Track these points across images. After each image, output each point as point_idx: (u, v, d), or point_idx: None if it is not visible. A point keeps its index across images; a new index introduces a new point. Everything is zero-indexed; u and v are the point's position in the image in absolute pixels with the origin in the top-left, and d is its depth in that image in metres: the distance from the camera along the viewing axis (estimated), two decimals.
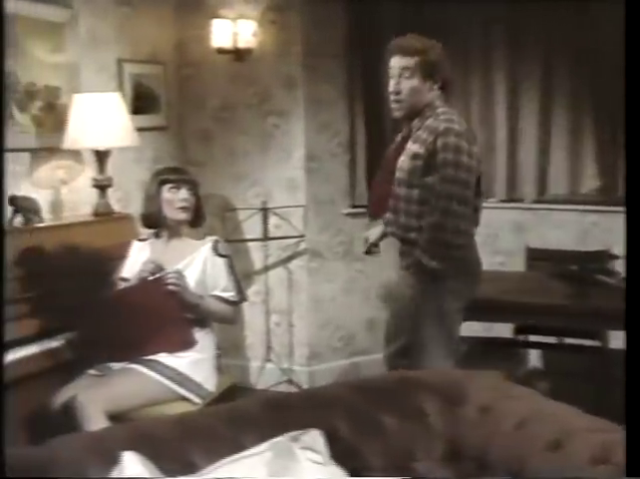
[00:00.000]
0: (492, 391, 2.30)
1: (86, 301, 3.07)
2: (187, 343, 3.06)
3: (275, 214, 4.58)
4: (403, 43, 3.10)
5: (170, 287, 2.97)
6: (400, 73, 3.07)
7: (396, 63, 3.09)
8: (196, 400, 3.04)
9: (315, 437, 2.07)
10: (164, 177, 3.22)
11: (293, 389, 4.56)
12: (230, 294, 3.18)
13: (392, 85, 3.10)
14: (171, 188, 3.19)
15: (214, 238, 3.24)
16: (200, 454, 2.06)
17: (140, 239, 3.35)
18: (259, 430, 2.15)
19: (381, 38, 4.71)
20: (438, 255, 2.96)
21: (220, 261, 3.17)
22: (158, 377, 2.98)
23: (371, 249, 3.26)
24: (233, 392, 3.31)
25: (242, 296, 3.27)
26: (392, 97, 3.11)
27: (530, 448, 1.95)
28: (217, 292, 3.16)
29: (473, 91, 4.92)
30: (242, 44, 4.41)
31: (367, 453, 2.20)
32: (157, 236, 3.30)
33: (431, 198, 2.98)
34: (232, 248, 3.60)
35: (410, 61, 3.05)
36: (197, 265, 3.15)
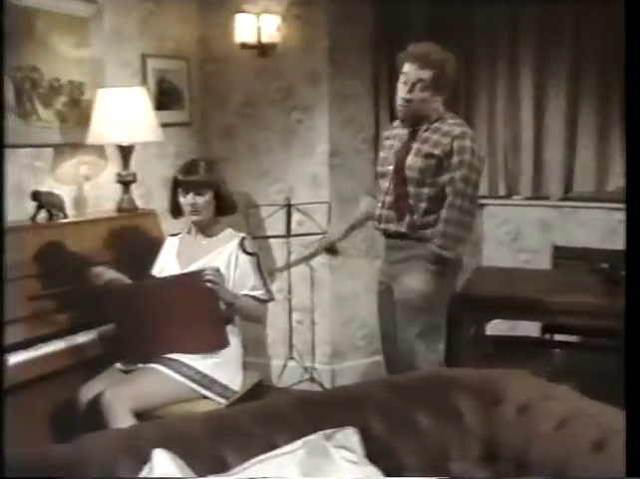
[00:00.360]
0: (530, 391, 2.25)
1: (118, 291, 3.02)
2: (221, 344, 3.02)
3: (298, 210, 4.54)
4: (421, 53, 3.15)
5: (208, 284, 2.91)
6: (414, 82, 3.14)
7: (412, 72, 3.14)
8: (221, 401, 3.01)
9: (350, 435, 2.03)
10: (177, 177, 3.17)
11: (315, 388, 4.53)
12: (260, 293, 3.13)
13: (403, 91, 3.17)
14: (182, 190, 3.14)
15: (242, 234, 3.19)
16: (231, 452, 2.03)
17: (172, 235, 3.31)
18: (291, 428, 2.11)
19: (407, 33, 4.70)
20: (451, 248, 3.12)
21: (247, 259, 3.12)
22: (182, 379, 2.94)
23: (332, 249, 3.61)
24: (259, 390, 3.26)
25: (270, 295, 3.21)
26: (401, 102, 3.20)
27: (573, 449, 1.91)
28: (247, 291, 3.11)
29: (498, 88, 4.87)
30: (266, 39, 4.38)
31: (401, 453, 2.16)
32: (188, 230, 3.26)
33: (442, 196, 3.13)
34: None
35: (426, 74, 3.13)
36: (222, 262, 3.09)
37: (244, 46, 4.41)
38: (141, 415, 2.82)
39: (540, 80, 4.77)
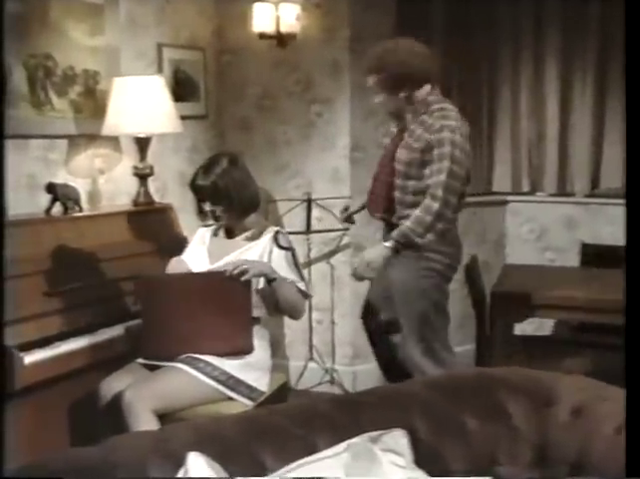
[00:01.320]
0: (583, 392, 2.14)
1: (147, 282, 2.92)
2: (246, 349, 2.89)
3: (318, 205, 4.46)
4: (367, 59, 3.32)
5: (244, 277, 2.78)
6: (371, 87, 3.32)
7: (370, 81, 3.32)
8: (247, 403, 2.89)
9: (397, 438, 1.92)
10: (192, 185, 3.03)
11: (336, 390, 4.44)
12: (301, 284, 3.00)
13: (375, 99, 3.36)
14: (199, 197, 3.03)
15: (275, 228, 3.05)
16: (270, 455, 1.93)
17: (205, 226, 3.19)
18: (331, 430, 2.01)
19: (431, 21, 4.62)
20: (420, 234, 3.15)
21: (282, 254, 2.99)
22: (207, 380, 2.82)
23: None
24: (285, 392, 3.16)
25: (307, 292, 3.06)
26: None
27: None
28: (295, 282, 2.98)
29: (522, 81, 4.78)
30: (285, 29, 4.28)
31: (448, 456, 2.05)
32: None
33: (424, 188, 3.19)
34: None
35: (373, 78, 3.29)
36: (254, 256, 2.96)
37: (262, 36, 4.31)
38: (162, 416, 2.71)
39: (566, 73, 4.70)
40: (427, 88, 3.27)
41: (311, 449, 1.93)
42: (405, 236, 3.15)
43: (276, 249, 2.98)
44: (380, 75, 3.24)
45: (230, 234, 3.10)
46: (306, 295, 3.04)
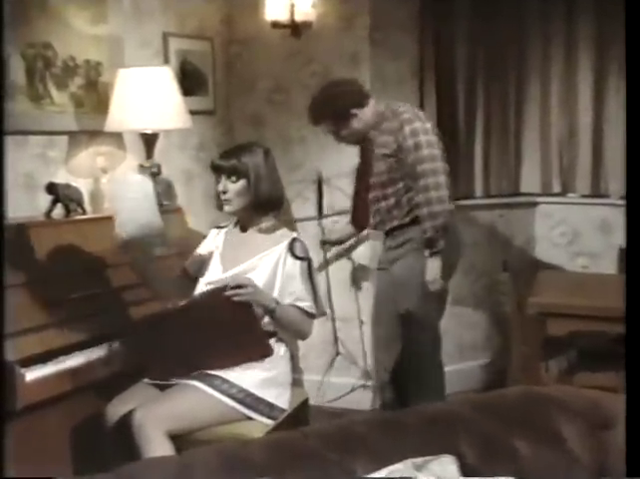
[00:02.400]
0: None
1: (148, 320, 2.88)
2: (265, 353, 2.83)
3: (333, 208, 4.42)
4: (310, 118, 3.68)
5: (236, 298, 2.72)
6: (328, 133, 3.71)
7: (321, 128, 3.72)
8: (267, 422, 2.82)
9: (446, 465, 1.86)
10: (212, 164, 3.00)
11: (353, 406, 4.38)
12: (306, 305, 2.91)
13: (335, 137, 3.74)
14: (216, 177, 2.97)
15: (292, 235, 2.97)
16: None
17: (218, 227, 3.13)
18: (371, 455, 1.94)
19: (456, 9, 4.56)
20: (438, 226, 3.47)
21: (296, 264, 2.91)
22: (224, 399, 2.75)
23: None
24: (306, 409, 3.09)
25: (320, 309, 2.99)
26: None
27: None
28: (291, 301, 2.89)
29: (552, 70, 4.72)
30: (300, 17, 4.22)
31: None
32: (235, 223, 3.08)
33: (409, 185, 3.55)
34: None
35: (326, 127, 3.67)
36: (268, 266, 2.90)
37: (275, 25, 4.26)
38: (175, 439, 2.63)
39: (600, 62, 4.63)
40: (371, 102, 3.65)
41: (348, 475, 1.87)
42: (434, 228, 3.46)
43: (290, 259, 2.90)
44: (327, 121, 3.63)
45: (247, 230, 3.03)
46: (313, 316, 2.96)
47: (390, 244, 3.72)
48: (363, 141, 3.69)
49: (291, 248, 2.91)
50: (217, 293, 2.74)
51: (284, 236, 2.97)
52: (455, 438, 2.02)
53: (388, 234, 3.71)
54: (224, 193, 2.92)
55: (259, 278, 2.86)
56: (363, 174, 3.75)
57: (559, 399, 2.18)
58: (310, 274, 2.93)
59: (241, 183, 2.91)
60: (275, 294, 2.88)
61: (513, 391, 2.29)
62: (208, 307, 2.77)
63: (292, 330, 2.95)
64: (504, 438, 2.05)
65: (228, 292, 2.70)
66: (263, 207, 2.98)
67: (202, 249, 3.09)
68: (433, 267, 3.51)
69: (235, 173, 2.90)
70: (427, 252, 3.50)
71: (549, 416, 2.11)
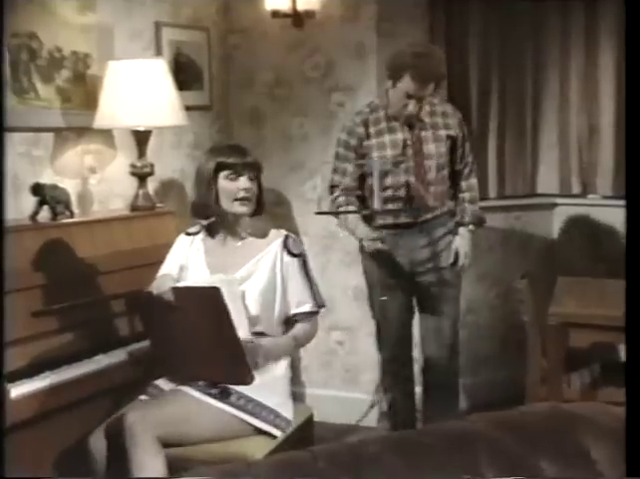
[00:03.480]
0: None
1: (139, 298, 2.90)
2: (243, 379, 2.78)
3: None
4: (425, 66, 3.45)
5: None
6: (418, 98, 3.51)
7: (416, 90, 3.47)
8: (276, 432, 2.81)
9: None
10: (222, 160, 2.95)
11: (357, 423, 4.38)
12: (309, 306, 2.98)
13: (410, 108, 3.52)
14: (230, 174, 2.94)
15: (284, 232, 3.02)
16: None
17: (188, 233, 3.11)
18: (386, 476, 1.91)
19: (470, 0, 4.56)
20: (478, 213, 3.82)
21: (293, 262, 2.96)
22: (218, 404, 2.74)
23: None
24: (310, 427, 3.07)
25: (320, 302, 3.02)
26: (406, 114, 3.55)
27: None
28: (294, 310, 2.96)
29: (572, 65, 4.71)
30: (302, 5, 4.24)
31: None
32: (208, 229, 3.07)
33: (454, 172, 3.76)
34: None
35: (430, 88, 3.51)
36: (265, 270, 2.92)
37: (276, 14, 4.27)
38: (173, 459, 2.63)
39: (623, 56, 4.60)
40: None
41: None
42: (478, 215, 3.76)
43: (287, 257, 2.96)
44: (436, 82, 3.52)
45: (233, 234, 3.02)
46: (316, 312, 3.04)
47: (418, 244, 3.67)
48: (414, 119, 3.62)
49: (286, 246, 2.96)
50: (192, 291, 2.75)
51: (275, 234, 3.01)
52: (475, 459, 1.99)
53: (421, 225, 3.67)
54: (247, 191, 2.93)
55: (259, 282, 2.90)
56: (419, 157, 3.64)
57: (587, 417, 2.15)
58: (307, 270, 3.00)
59: (257, 181, 2.98)
60: (278, 303, 2.90)
61: (538, 408, 2.27)
62: (190, 304, 2.75)
63: (305, 343, 3.09)
64: (529, 459, 2.02)
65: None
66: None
67: (171, 265, 3.06)
68: (465, 241, 3.70)
69: (256, 170, 2.98)
70: (464, 228, 3.72)
71: (577, 435, 2.08)
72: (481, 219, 3.82)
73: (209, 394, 2.75)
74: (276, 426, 2.82)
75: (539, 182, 4.89)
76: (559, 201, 4.86)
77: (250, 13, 4.44)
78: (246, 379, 2.77)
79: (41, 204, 3.20)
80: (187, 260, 3.04)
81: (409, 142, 3.59)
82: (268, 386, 2.84)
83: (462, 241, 3.70)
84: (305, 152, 4.50)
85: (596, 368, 3.77)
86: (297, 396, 4.38)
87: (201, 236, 3.08)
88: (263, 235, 3.01)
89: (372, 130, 3.63)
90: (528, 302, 3.72)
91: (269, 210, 4.36)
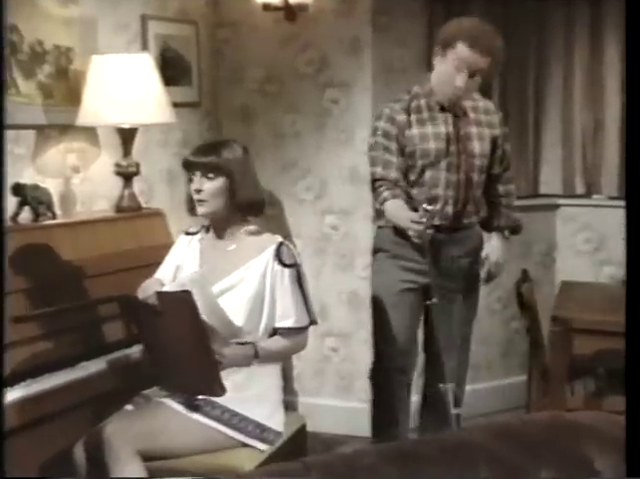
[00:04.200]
0: None
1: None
2: (212, 391, 2.77)
3: (332, 211, 4.45)
4: (483, 36, 3.33)
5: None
6: (472, 71, 3.35)
7: (471, 58, 3.32)
8: (262, 446, 2.82)
9: None
10: (184, 159, 3.01)
11: (353, 432, 4.37)
12: (292, 321, 2.88)
13: (460, 80, 3.36)
14: (188, 174, 2.97)
15: (279, 239, 2.95)
16: None
17: (187, 233, 3.11)
18: None
19: None
20: (516, 218, 3.79)
21: (285, 273, 2.88)
22: (201, 419, 2.76)
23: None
24: (303, 437, 3.07)
25: (310, 318, 2.94)
26: (455, 91, 3.41)
27: None
28: (276, 324, 2.89)
29: (576, 59, 4.72)
30: None
31: None
32: (207, 229, 3.07)
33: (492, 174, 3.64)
34: None
35: (487, 62, 3.35)
36: (253, 278, 2.87)
37: (267, 7, 4.28)
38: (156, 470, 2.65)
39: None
40: None
41: None
42: (515, 220, 3.72)
43: (278, 267, 2.88)
44: (492, 59, 3.36)
45: (224, 237, 3.01)
46: (304, 328, 2.94)
47: (452, 253, 3.54)
48: (452, 109, 3.50)
49: (278, 255, 2.89)
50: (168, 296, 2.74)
51: (269, 240, 2.94)
52: (474, 470, 2.00)
53: (447, 242, 3.51)
54: (199, 192, 2.90)
55: (247, 292, 2.87)
56: (464, 153, 3.50)
57: (591, 426, 2.16)
58: (301, 282, 2.91)
59: (220, 181, 2.89)
60: (265, 307, 2.87)
61: (539, 417, 2.28)
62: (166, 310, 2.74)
63: (284, 358, 3.08)
64: (530, 470, 2.03)
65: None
66: (244, 210, 2.97)
67: (167, 267, 3.07)
68: (498, 249, 3.66)
69: (214, 169, 2.89)
70: (498, 235, 3.68)
71: (580, 445, 2.10)
72: (519, 225, 3.75)
73: (192, 407, 2.76)
74: (263, 440, 2.82)
75: (542, 182, 4.90)
76: (562, 201, 4.87)
77: (241, 6, 4.45)
78: (216, 391, 2.75)
79: (22, 204, 3.21)
80: (183, 262, 3.04)
81: (452, 136, 3.46)
82: (256, 398, 2.85)
83: (493, 249, 3.65)
84: (298, 150, 4.51)
85: (601, 376, 3.78)
86: (289, 405, 4.38)
87: (199, 236, 3.08)
88: (255, 239, 2.96)
89: (413, 118, 3.47)
90: (530, 307, 3.73)
91: None
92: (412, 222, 3.21)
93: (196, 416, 2.75)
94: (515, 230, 3.74)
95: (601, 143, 4.77)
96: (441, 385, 3.36)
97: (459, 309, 3.61)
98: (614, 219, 4.75)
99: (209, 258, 2.99)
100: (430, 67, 4.45)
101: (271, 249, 2.90)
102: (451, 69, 3.35)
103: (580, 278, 4.61)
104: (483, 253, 3.62)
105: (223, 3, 4.53)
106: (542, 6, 4.70)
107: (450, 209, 3.46)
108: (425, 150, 3.43)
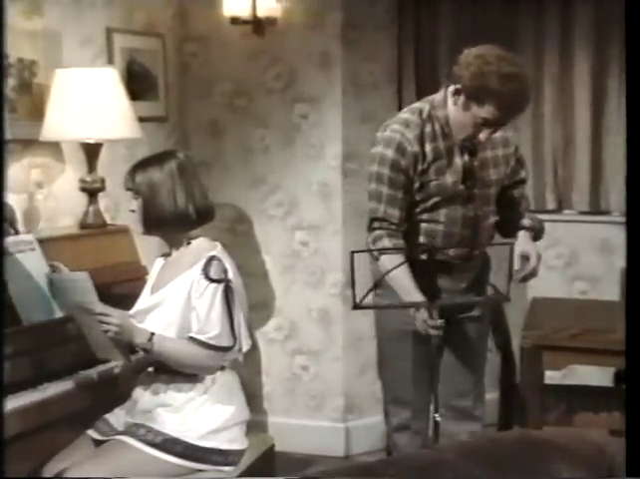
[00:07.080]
0: None
1: None
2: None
3: (302, 227, 4.46)
4: (516, 95, 2.96)
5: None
6: (495, 129, 3.07)
7: (498, 120, 3.00)
8: (226, 469, 2.83)
9: None
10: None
11: (324, 452, 4.37)
12: (208, 336, 2.77)
13: (483, 136, 3.04)
14: None
15: (212, 253, 2.84)
16: None
17: (161, 255, 3.09)
18: None
19: (439, 5, 4.61)
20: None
21: (209, 288, 2.77)
22: (164, 456, 2.75)
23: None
24: (271, 457, 3.07)
25: (233, 340, 2.81)
26: (473, 138, 3.07)
27: None
28: (191, 334, 2.79)
29: (545, 72, 4.75)
30: (263, 12, 4.25)
31: None
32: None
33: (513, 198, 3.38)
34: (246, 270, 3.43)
35: (512, 117, 3.12)
36: (183, 293, 2.80)
37: (235, 21, 4.29)
38: None
39: (600, 63, 4.67)
40: None
41: None
42: (540, 221, 3.40)
43: (204, 282, 2.77)
44: (523, 111, 3.16)
45: (171, 252, 2.99)
46: (221, 349, 2.80)
47: (461, 279, 3.30)
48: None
49: (205, 269, 2.79)
50: None
51: (206, 251, 2.86)
52: None
53: (451, 268, 3.24)
54: (133, 211, 2.94)
55: (176, 306, 2.80)
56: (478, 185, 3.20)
57: (560, 444, 2.18)
58: (228, 301, 2.80)
59: (140, 199, 2.91)
60: (193, 323, 2.78)
61: (508, 436, 2.30)
62: None
63: (184, 366, 2.82)
64: None
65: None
66: (152, 226, 2.93)
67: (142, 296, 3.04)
68: (531, 242, 3.29)
69: (133, 188, 2.93)
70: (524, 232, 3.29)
71: (549, 464, 2.12)
72: (543, 227, 3.40)
73: (152, 445, 2.74)
74: (228, 464, 2.83)
75: None
76: None
77: (208, 19, 4.45)
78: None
79: None
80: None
81: (467, 166, 3.14)
82: (216, 431, 2.82)
83: (528, 244, 3.27)
84: (267, 166, 4.52)
85: (572, 393, 3.82)
86: (259, 425, 4.40)
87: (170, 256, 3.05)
88: (193, 250, 2.90)
89: (428, 148, 3.09)
90: (501, 324, 3.76)
91: (230, 227, 4.46)
92: (426, 323, 2.98)
93: (159, 454, 2.74)
94: (539, 232, 3.38)
95: (572, 158, 4.78)
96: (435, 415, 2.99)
97: (461, 342, 3.36)
98: (585, 234, 4.81)
99: (161, 273, 2.98)
100: (401, 84, 4.56)
101: (201, 264, 2.81)
102: (473, 121, 3.00)
103: (551, 294, 4.64)
104: (517, 252, 3.20)
105: (191, 16, 4.54)
106: (512, 17, 4.73)
107: (461, 247, 3.21)
108: (441, 185, 3.11)
